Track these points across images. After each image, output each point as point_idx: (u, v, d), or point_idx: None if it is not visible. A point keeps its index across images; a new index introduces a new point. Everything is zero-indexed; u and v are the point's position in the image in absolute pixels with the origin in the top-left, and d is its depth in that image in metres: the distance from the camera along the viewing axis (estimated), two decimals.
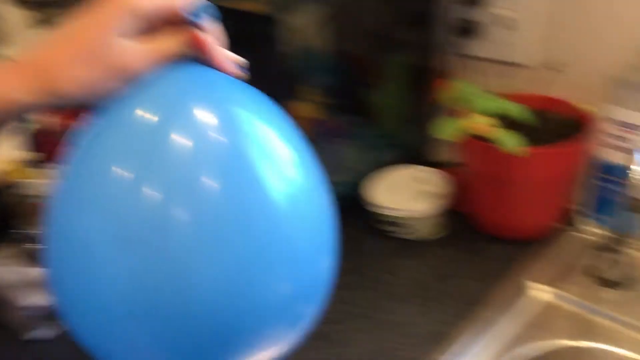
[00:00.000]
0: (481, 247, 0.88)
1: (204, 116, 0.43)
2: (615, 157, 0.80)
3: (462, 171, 0.89)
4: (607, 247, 0.78)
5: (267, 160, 0.44)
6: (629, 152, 0.73)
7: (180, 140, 0.41)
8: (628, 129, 0.78)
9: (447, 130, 0.76)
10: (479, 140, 0.80)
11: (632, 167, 0.72)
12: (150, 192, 0.40)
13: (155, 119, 0.42)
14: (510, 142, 0.76)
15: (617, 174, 0.78)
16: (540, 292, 0.79)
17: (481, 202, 0.88)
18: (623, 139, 0.79)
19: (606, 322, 0.74)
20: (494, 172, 0.82)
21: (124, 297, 0.41)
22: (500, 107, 0.78)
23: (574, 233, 0.88)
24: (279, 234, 0.43)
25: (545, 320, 0.76)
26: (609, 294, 0.78)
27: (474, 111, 0.79)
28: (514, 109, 0.78)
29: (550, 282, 0.79)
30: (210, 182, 0.41)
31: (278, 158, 0.45)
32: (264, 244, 0.43)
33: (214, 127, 0.43)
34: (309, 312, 0.49)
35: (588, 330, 0.74)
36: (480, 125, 0.78)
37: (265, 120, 0.46)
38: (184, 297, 0.40)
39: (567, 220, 0.89)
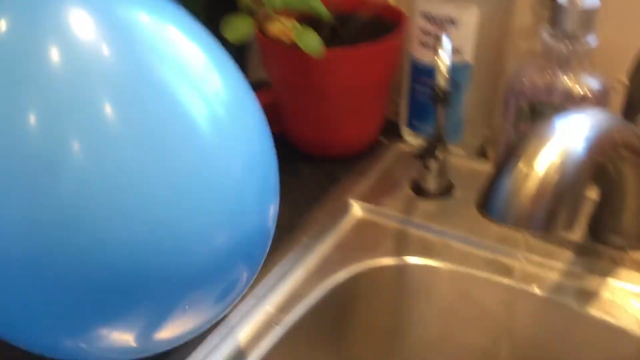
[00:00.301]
0: (298, 168, 0.80)
1: (85, 21, 0.34)
2: (426, 57, 0.74)
3: (271, 85, 0.80)
4: (424, 156, 0.72)
5: (178, 73, 0.36)
6: (437, 49, 0.67)
7: (59, 54, 0.33)
8: (437, 24, 0.72)
9: (239, 30, 0.66)
10: (279, 43, 0.70)
11: (440, 62, 0.66)
12: (30, 123, 0.32)
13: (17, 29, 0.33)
14: (311, 43, 0.67)
15: (430, 75, 0.71)
16: (362, 211, 0.72)
17: (292, 118, 0.79)
18: (433, 35, 0.72)
19: (428, 235, 0.70)
20: (299, 81, 0.74)
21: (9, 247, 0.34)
22: (301, 2, 0.69)
23: (397, 144, 0.82)
24: (205, 169, 0.36)
25: (366, 239, 0.69)
26: (428, 205, 0.73)
27: (273, 8, 0.69)
28: (317, 5, 0.69)
29: (372, 199, 0.73)
30: (103, 106, 0.33)
31: (193, 70, 0.37)
32: (185, 183, 0.35)
33: (101, 34, 0.34)
34: (245, 273, 0.43)
35: (409, 245, 0.68)
36: (279, 25, 0.68)
37: (167, 22, 0.37)
38: (82, 251, 0.34)
39: (388, 131, 0.83)
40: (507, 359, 0.67)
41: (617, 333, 0.59)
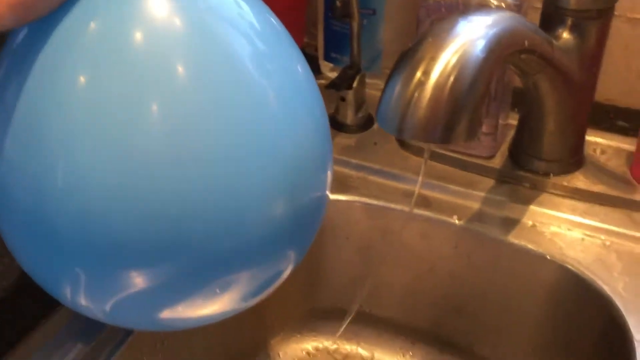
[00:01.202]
0: None
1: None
2: None
3: None
4: (339, 85, 0.68)
5: (246, 45, 0.37)
6: None
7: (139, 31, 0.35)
8: None
9: None
10: None
11: None
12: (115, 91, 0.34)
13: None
14: None
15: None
16: None
17: None
18: None
19: (346, 170, 0.66)
20: None
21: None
22: None
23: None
24: (269, 134, 0.37)
25: None
26: (346, 139, 0.69)
27: None
28: None
29: None
30: (176, 72, 0.35)
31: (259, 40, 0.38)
32: (250, 145, 0.36)
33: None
34: (297, 250, 0.43)
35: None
36: None
37: None
38: (155, 204, 0.34)
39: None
40: (430, 294, 0.65)
41: (538, 259, 0.57)
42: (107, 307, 0.39)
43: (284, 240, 0.40)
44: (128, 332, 0.50)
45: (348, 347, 0.70)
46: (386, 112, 0.38)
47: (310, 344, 0.70)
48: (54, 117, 0.35)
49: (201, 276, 0.38)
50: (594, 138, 0.66)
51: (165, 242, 0.36)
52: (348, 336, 0.70)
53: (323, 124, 0.43)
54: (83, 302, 0.39)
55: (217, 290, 0.39)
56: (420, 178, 0.58)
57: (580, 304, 0.55)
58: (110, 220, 0.35)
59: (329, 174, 0.44)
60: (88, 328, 0.49)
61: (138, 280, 0.37)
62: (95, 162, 0.34)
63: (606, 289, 0.53)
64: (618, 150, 0.65)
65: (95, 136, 0.34)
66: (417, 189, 0.59)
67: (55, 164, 0.35)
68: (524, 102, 0.60)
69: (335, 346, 0.70)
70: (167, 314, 0.40)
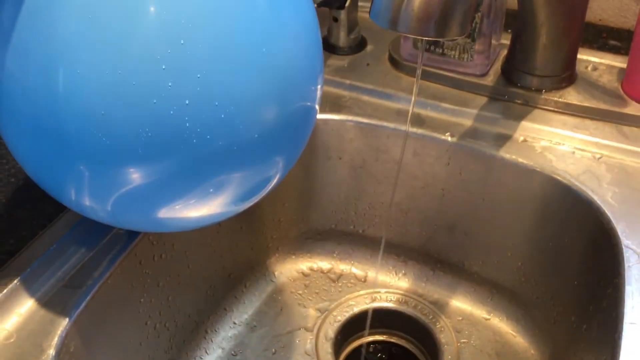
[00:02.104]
0: None
1: None
2: None
3: None
4: (330, 3, 0.67)
5: None
6: None
7: None
8: None
9: None
10: None
11: None
12: None
13: None
14: None
15: None
16: None
17: None
18: None
19: (338, 91, 0.66)
20: None
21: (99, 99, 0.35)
22: None
23: None
24: (263, 44, 0.38)
25: None
26: (338, 60, 0.69)
27: None
28: None
29: None
30: None
31: None
32: (244, 50, 0.37)
33: None
34: (285, 157, 0.44)
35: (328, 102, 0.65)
36: None
37: None
38: (151, 105, 0.36)
39: None
40: (423, 212, 0.66)
41: (528, 172, 0.57)
42: (109, 206, 0.40)
43: (273, 144, 0.41)
44: (127, 245, 0.51)
45: (342, 267, 0.72)
46: (380, 5, 0.38)
47: (305, 265, 0.72)
48: (52, 27, 0.36)
49: (196, 174, 0.39)
50: (586, 56, 0.66)
51: (162, 140, 0.37)
52: (342, 256, 0.72)
53: (315, 36, 0.43)
54: (87, 202, 0.40)
55: (211, 190, 0.40)
56: (413, 98, 0.58)
57: (570, 215, 0.56)
58: (110, 121, 0.36)
59: (319, 87, 0.45)
60: (89, 237, 0.50)
61: (137, 177, 0.38)
62: (94, 67, 0.35)
63: (595, 198, 0.54)
64: (610, 67, 0.65)
65: (93, 42, 0.35)
66: (411, 108, 0.60)
67: (56, 73, 0.36)
68: (518, 17, 0.60)
69: (329, 266, 0.72)
70: (164, 213, 0.41)
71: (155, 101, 0.36)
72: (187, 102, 0.36)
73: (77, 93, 0.36)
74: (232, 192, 0.42)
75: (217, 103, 0.37)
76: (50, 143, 0.38)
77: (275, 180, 0.45)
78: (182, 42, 0.35)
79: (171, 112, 0.36)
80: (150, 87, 0.35)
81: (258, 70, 0.38)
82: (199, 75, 0.36)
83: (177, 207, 0.40)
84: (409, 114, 0.57)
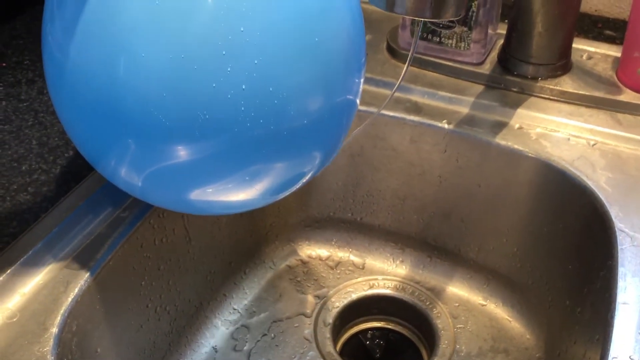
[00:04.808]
0: None
1: None
2: None
3: None
4: None
5: None
6: None
7: None
8: None
9: None
10: None
11: None
12: None
13: None
14: None
15: None
16: None
17: None
18: None
19: None
20: None
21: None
22: None
23: None
24: (314, 37, 0.39)
25: None
26: None
27: None
28: None
29: None
30: None
31: None
32: (292, 45, 0.38)
33: None
34: (323, 153, 0.45)
35: None
36: None
37: None
38: (204, 89, 0.37)
39: None
40: (419, 199, 0.67)
41: (523, 158, 0.58)
42: (146, 180, 0.42)
43: (319, 134, 0.43)
44: (128, 228, 0.52)
45: (340, 255, 0.72)
46: None
47: (303, 252, 0.72)
48: (116, 14, 0.37)
49: (237, 158, 0.41)
50: (581, 46, 0.67)
51: (218, 122, 0.39)
52: (340, 244, 0.72)
53: (361, 30, 0.45)
54: (128, 175, 0.42)
55: (247, 178, 0.42)
56: (403, 72, 0.59)
57: (564, 200, 0.57)
58: (170, 103, 0.38)
59: (362, 80, 0.46)
60: (91, 220, 0.51)
61: (185, 154, 0.40)
62: (157, 52, 0.37)
63: (590, 183, 0.55)
64: (605, 56, 0.66)
65: (156, 28, 0.37)
66: (397, 84, 0.60)
67: (118, 57, 0.38)
68: (513, 5, 0.61)
69: (327, 253, 0.72)
70: (198, 194, 0.43)
71: (214, 85, 0.37)
72: (243, 87, 0.38)
73: (138, 76, 0.38)
74: (266, 182, 0.43)
75: (271, 89, 0.39)
76: (107, 124, 0.40)
77: (309, 176, 0.47)
78: (241, 29, 0.37)
79: (229, 96, 0.38)
80: (211, 71, 0.37)
81: (309, 58, 0.40)
82: (256, 62, 0.38)
83: (210, 190, 0.42)
84: (392, 93, 0.58)
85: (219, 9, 0.37)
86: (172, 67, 0.37)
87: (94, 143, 0.43)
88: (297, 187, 0.47)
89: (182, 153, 0.40)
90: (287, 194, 0.47)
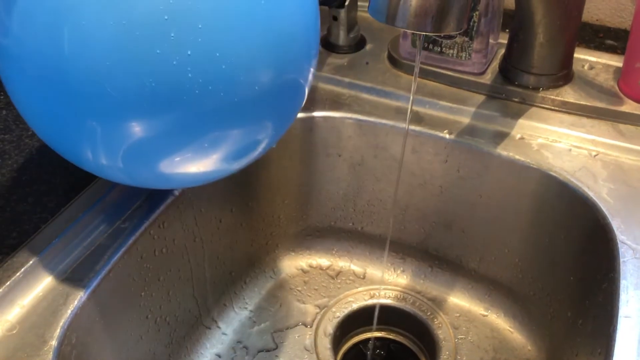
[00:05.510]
0: None
1: None
2: None
3: None
4: (330, 2, 0.68)
5: None
6: None
7: None
8: None
9: None
10: None
11: None
12: None
13: None
14: None
15: None
16: None
17: None
18: None
19: (337, 89, 0.66)
20: None
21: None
22: None
23: None
24: (264, 11, 0.39)
25: None
26: (338, 59, 0.70)
27: None
28: None
29: None
30: None
31: None
32: (245, 16, 0.39)
33: None
34: (276, 123, 0.45)
35: (319, 99, 0.65)
36: None
37: None
38: (154, 62, 0.37)
39: None
40: (421, 209, 0.66)
41: (525, 169, 0.58)
42: (118, 160, 0.42)
43: (268, 105, 0.43)
44: (128, 239, 0.51)
45: (341, 264, 0.72)
46: (379, 1, 0.38)
47: (304, 261, 0.72)
48: None
49: (194, 128, 0.40)
50: (583, 56, 0.67)
51: (166, 90, 0.38)
52: (341, 253, 0.72)
53: (313, 9, 0.45)
54: (96, 158, 0.42)
55: (206, 145, 0.42)
56: (411, 97, 0.59)
57: (566, 211, 0.57)
58: (115, 72, 0.37)
59: (312, 69, 0.46)
60: (91, 231, 0.51)
61: (141, 129, 0.39)
62: (98, 20, 0.37)
63: (591, 194, 0.54)
64: (606, 66, 0.65)
65: (98, 3, 0.36)
66: (409, 107, 0.60)
67: (61, 29, 0.37)
68: (515, 15, 0.61)
69: (328, 263, 0.72)
70: (167, 166, 0.43)
71: (158, 51, 0.37)
72: (189, 52, 0.37)
73: (82, 46, 0.37)
74: (225, 149, 0.43)
75: (218, 54, 0.38)
76: (58, 99, 0.39)
77: (263, 145, 0.47)
78: (186, 4, 0.37)
79: (174, 63, 0.37)
80: (154, 37, 0.37)
81: (258, 27, 0.40)
82: (200, 26, 0.37)
83: (177, 159, 0.42)
84: (408, 113, 0.58)
85: None
86: (115, 34, 0.37)
87: (52, 128, 0.43)
88: (258, 154, 0.47)
89: (138, 126, 0.40)
90: (250, 160, 0.47)
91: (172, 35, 0.37)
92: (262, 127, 0.44)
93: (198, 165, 0.43)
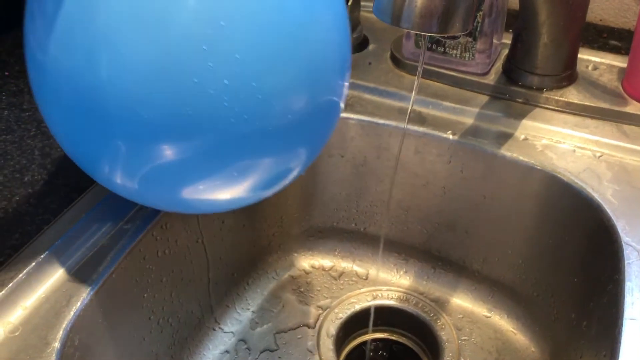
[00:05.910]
0: None
1: None
2: None
3: None
4: None
5: None
6: None
7: None
8: None
9: None
10: None
11: None
12: None
13: None
14: None
15: None
16: None
17: None
18: None
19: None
20: None
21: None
22: None
23: None
24: (296, 39, 0.39)
25: None
26: None
27: None
28: None
29: None
30: None
31: None
32: (276, 46, 0.38)
33: None
34: (308, 150, 0.45)
35: None
36: None
37: None
38: (189, 87, 0.37)
39: None
40: (424, 210, 0.66)
41: (529, 170, 0.58)
42: (138, 181, 0.41)
43: (302, 132, 0.43)
44: (131, 240, 0.51)
45: (343, 265, 0.72)
46: (383, 1, 0.38)
47: (306, 262, 0.72)
48: (95, 10, 0.37)
49: (223, 155, 0.41)
50: (587, 56, 0.67)
51: (202, 118, 0.38)
52: (343, 254, 0.72)
53: (345, 34, 0.45)
54: (119, 177, 0.42)
55: (235, 174, 0.42)
56: (413, 95, 0.59)
57: (570, 212, 0.57)
58: (152, 99, 0.37)
59: (346, 84, 0.46)
60: (93, 232, 0.51)
61: (171, 153, 0.39)
62: (137, 48, 0.37)
63: (596, 196, 0.54)
64: (610, 67, 0.65)
65: (135, 24, 0.37)
66: (410, 105, 0.60)
67: (99, 55, 0.37)
68: (519, 16, 0.61)
69: (331, 264, 0.72)
70: (189, 192, 0.42)
71: (196, 80, 0.37)
72: (226, 82, 0.37)
73: (120, 73, 0.37)
74: (254, 178, 0.43)
75: (254, 84, 0.38)
76: (90, 120, 0.39)
77: (295, 172, 0.46)
78: (222, 23, 0.37)
79: (211, 92, 0.37)
80: (192, 66, 0.37)
81: (293, 55, 0.40)
82: (237, 56, 0.37)
83: (201, 187, 0.42)
84: (408, 112, 0.58)
85: (199, 3, 0.37)
86: (153, 63, 0.37)
87: (79, 145, 0.43)
88: (286, 183, 0.47)
89: (168, 151, 0.40)
90: (277, 190, 0.47)
91: (210, 64, 0.37)
92: (295, 154, 0.44)
93: (224, 193, 0.43)
